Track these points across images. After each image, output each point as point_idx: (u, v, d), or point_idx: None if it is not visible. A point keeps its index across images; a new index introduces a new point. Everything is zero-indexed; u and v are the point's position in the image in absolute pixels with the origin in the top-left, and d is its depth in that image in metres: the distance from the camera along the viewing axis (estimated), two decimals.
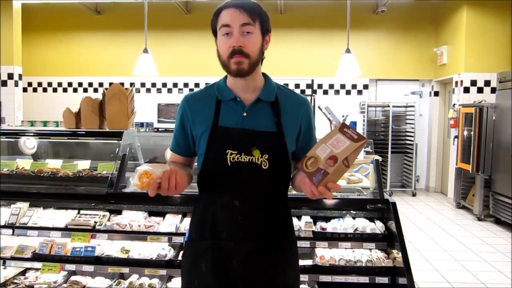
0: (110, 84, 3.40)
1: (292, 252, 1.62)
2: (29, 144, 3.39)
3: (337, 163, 1.33)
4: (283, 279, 1.55)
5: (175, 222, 2.68)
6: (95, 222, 2.70)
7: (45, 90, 8.76)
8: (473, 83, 6.96)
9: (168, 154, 1.71)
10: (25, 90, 8.38)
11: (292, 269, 1.59)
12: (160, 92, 8.55)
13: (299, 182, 1.48)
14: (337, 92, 8.33)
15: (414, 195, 7.86)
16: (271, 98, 1.55)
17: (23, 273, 2.85)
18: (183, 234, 2.57)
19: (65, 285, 2.67)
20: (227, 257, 1.51)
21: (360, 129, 6.10)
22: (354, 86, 8.30)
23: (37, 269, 2.75)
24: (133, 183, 1.35)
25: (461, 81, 7.01)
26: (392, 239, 2.53)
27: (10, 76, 7.03)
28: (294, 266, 1.62)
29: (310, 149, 1.42)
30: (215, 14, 1.51)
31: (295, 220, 2.58)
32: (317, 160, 1.37)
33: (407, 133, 8.13)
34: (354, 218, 2.72)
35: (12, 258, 2.68)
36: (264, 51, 1.54)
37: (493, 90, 6.70)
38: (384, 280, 2.46)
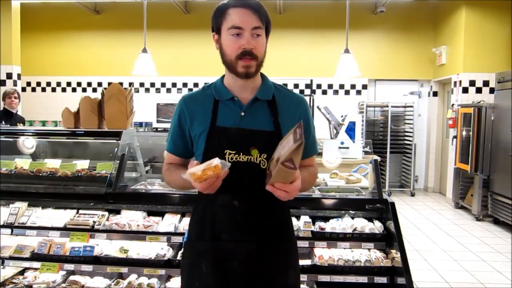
0: (109, 84, 3.41)
1: (292, 252, 1.62)
2: (27, 143, 3.38)
3: (277, 166, 1.30)
4: (284, 279, 1.56)
5: (174, 222, 2.68)
6: (94, 222, 2.70)
7: (44, 89, 8.76)
8: (472, 83, 6.97)
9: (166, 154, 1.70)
10: (24, 89, 8.37)
11: (292, 269, 1.60)
12: (159, 92, 8.55)
13: None
14: (336, 92, 8.34)
15: (412, 195, 7.87)
16: (268, 97, 1.55)
17: (21, 272, 2.84)
18: (182, 234, 2.57)
19: (63, 284, 2.67)
20: (227, 258, 1.51)
21: (359, 129, 6.10)
22: (353, 86, 8.30)
23: (35, 269, 2.74)
24: (191, 172, 1.30)
25: (460, 81, 7.02)
26: (390, 239, 2.53)
27: (9, 75, 7.02)
28: (294, 266, 1.62)
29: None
30: (220, 11, 1.48)
31: (293, 220, 2.57)
32: (271, 162, 1.38)
33: (406, 133, 8.14)
34: (353, 218, 2.72)
35: (11, 258, 2.67)
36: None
37: (492, 90, 6.71)
38: (383, 280, 2.47)
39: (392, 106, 7.93)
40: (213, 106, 1.54)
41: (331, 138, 5.96)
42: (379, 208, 2.62)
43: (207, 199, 1.55)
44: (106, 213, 2.78)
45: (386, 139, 7.92)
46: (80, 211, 2.84)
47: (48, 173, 2.92)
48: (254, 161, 1.48)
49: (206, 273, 1.52)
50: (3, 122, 4.99)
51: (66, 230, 2.67)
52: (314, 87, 8.03)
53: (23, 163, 3.06)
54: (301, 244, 2.48)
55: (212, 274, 1.51)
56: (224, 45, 1.49)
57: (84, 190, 2.82)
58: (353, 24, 6.25)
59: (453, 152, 7.04)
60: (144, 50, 5.21)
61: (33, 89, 8.75)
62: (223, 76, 1.59)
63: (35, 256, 2.65)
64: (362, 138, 6.57)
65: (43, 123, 5.34)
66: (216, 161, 1.32)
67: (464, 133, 6.59)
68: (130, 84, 8.48)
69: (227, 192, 1.51)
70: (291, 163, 1.26)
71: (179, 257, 2.57)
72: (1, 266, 2.72)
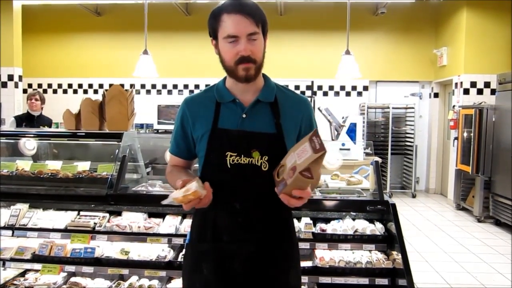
0: (110, 85, 3.41)
1: (293, 253, 1.62)
2: (29, 145, 3.39)
3: (294, 175, 1.29)
4: (285, 280, 1.56)
5: (175, 224, 2.68)
6: (95, 223, 2.70)
7: (45, 91, 8.75)
8: (473, 84, 6.96)
9: (168, 156, 1.71)
10: (25, 91, 8.31)
11: (293, 270, 1.60)
12: (160, 93, 8.56)
13: None
14: (337, 93, 8.34)
15: (414, 196, 7.86)
16: (270, 99, 1.55)
17: (22, 274, 2.85)
18: (182, 236, 2.57)
19: (64, 286, 2.67)
20: (229, 259, 1.51)
21: (360, 130, 6.10)
22: (354, 88, 8.30)
23: (36, 271, 2.75)
24: (173, 197, 1.34)
25: (461, 83, 7.02)
26: (392, 241, 2.53)
27: (10, 77, 7.03)
28: (295, 267, 1.62)
29: (284, 156, 1.42)
30: (215, 16, 1.46)
31: (294, 222, 2.57)
32: (284, 170, 1.36)
33: (407, 135, 8.14)
34: (354, 219, 2.72)
35: (12, 260, 2.67)
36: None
37: (493, 92, 6.70)
38: (384, 281, 2.46)
39: (393, 108, 7.92)
40: (215, 108, 1.53)
41: (332, 139, 5.96)
42: (380, 209, 2.61)
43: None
44: (107, 215, 2.79)
45: (387, 140, 7.92)
46: (81, 213, 2.84)
47: (49, 174, 2.92)
48: (255, 163, 1.48)
49: (207, 274, 1.52)
50: (24, 125, 4.95)
51: (67, 231, 2.67)
52: (315, 88, 8.05)
53: (24, 165, 3.06)
54: (302, 245, 2.48)
55: (213, 275, 1.51)
56: (222, 52, 1.48)
57: (85, 191, 2.82)
58: (354, 26, 6.25)
59: (454, 153, 7.03)
60: (145, 52, 5.22)
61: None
62: (225, 78, 1.58)
63: (36, 258, 2.65)
64: (363, 140, 6.57)
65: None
66: (193, 186, 1.34)
67: (465, 134, 6.58)
68: (131, 85, 8.49)
69: (229, 194, 1.51)
70: (308, 172, 1.28)
71: (180, 259, 2.58)
72: (2, 268, 2.73)
